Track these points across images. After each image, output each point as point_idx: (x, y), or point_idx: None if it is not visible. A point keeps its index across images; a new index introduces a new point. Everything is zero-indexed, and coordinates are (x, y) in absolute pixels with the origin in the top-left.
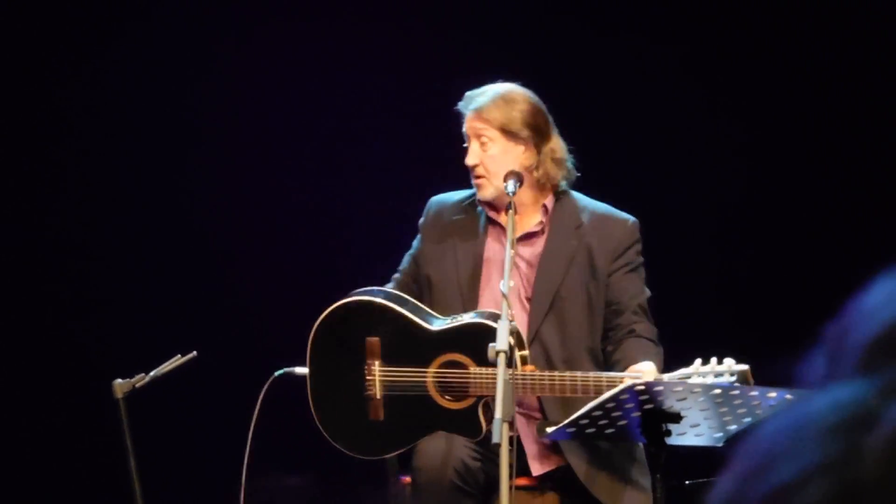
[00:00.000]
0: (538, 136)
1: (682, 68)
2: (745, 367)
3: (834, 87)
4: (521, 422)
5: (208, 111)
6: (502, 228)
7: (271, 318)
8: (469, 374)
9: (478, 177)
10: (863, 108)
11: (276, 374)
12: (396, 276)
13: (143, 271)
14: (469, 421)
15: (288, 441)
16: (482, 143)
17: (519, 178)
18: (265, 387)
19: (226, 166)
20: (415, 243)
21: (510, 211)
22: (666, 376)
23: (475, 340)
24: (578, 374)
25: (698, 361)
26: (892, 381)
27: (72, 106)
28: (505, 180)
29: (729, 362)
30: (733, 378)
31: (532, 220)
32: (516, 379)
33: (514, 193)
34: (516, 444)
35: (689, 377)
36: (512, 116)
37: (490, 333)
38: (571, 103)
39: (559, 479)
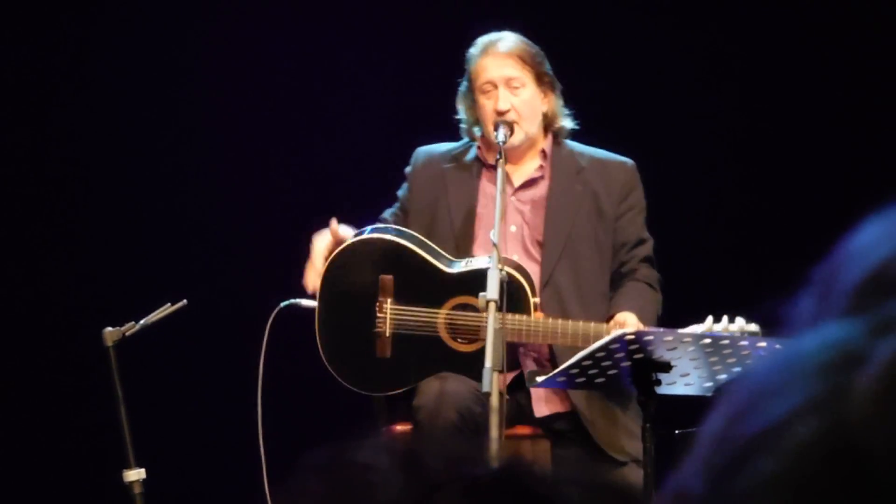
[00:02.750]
0: (555, 81)
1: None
2: (755, 327)
3: (828, 34)
4: (528, 365)
5: (198, 56)
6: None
7: (266, 261)
8: (481, 317)
9: (511, 121)
10: (856, 54)
11: (282, 304)
12: (381, 221)
13: (134, 216)
14: (478, 364)
15: (289, 378)
16: (513, 88)
17: (510, 127)
18: (271, 317)
19: (220, 105)
20: (401, 192)
21: (501, 160)
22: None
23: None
24: (581, 323)
25: (710, 319)
26: (882, 320)
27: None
28: (495, 129)
29: (740, 322)
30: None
31: (531, 165)
32: (521, 326)
33: (504, 143)
34: (518, 389)
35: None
36: (539, 60)
37: (510, 281)
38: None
39: (561, 424)
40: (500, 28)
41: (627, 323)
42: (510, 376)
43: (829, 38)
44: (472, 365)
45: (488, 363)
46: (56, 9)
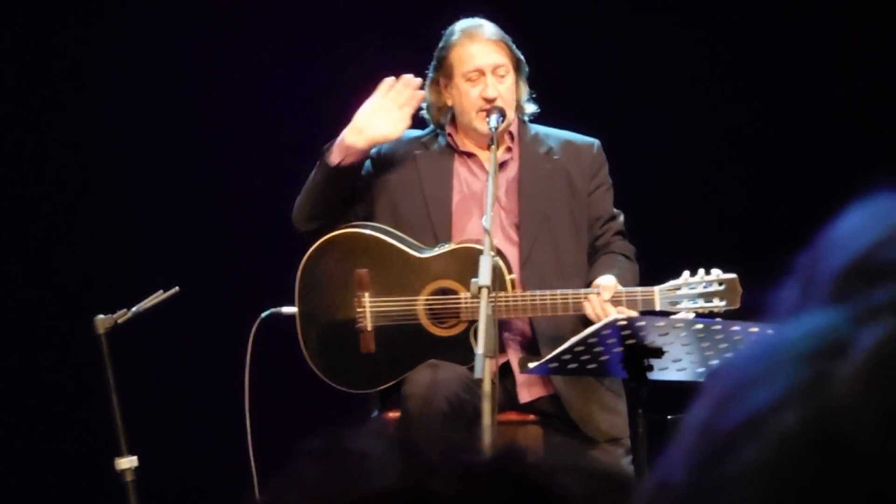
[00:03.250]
0: (525, 70)
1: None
2: (732, 275)
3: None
4: (512, 350)
5: (194, 50)
6: (470, 158)
7: (255, 253)
8: (460, 299)
9: (495, 109)
10: (842, 36)
11: (263, 315)
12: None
13: (126, 204)
14: (462, 347)
15: (277, 383)
16: (500, 76)
17: (502, 114)
18: (253, 329)
19: (215, 101)
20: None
21: (493, 146)
22: (657, 288)
23: (465, 265)
24: (559, 292)
25: (686, 273)
26: (865, 308)
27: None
28: (488, 115)
29: (716, 272)
30: (722, 287)
31: (500, 149)
32: (500, 301)
33: (496, 129)
34: (503, 376)
35: (678, 288)
36: (514, 48)
37: (478, 257)
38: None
39: (545, 408)
40: (469, 14)
41: (607, 286)
42: (499, 362)
43: (809, 29)
44: (455, 348)
45: (480, 349)
46: (56, 8)
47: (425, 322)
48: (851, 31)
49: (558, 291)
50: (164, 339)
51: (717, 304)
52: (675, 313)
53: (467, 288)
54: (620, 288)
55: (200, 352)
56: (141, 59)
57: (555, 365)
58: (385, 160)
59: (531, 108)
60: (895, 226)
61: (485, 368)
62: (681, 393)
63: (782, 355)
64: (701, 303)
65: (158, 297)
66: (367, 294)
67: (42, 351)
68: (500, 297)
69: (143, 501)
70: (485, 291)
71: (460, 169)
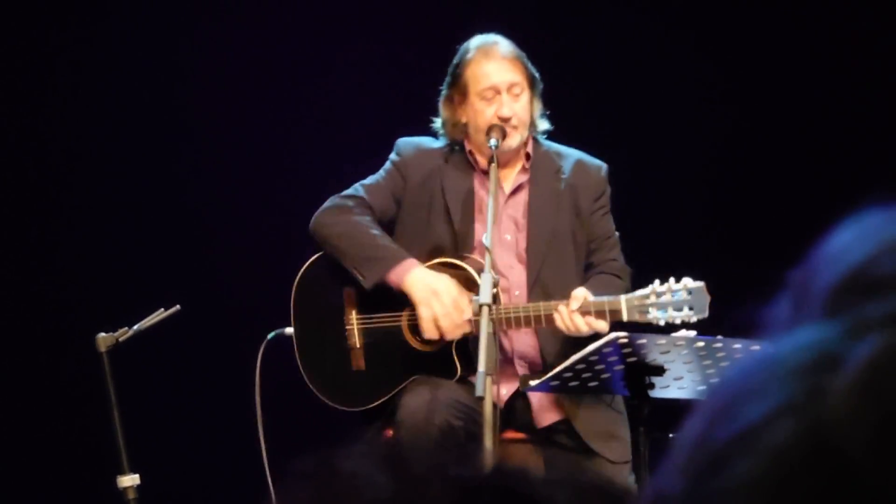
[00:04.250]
0: (539, 87)
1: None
2: (700, 283)
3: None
4: (522, 375)
5: (195, 62)
6: (487, 176)
7: (256, 272)
8: None
9: (511, 127)
10: (844, 44)
11: (269, 336)
12: (363, 204)
13: (129, 224)
14: (444, 362)
15: (282, 403)
16: (515, 95)
17: (503, 133)
18: (260, 351)
19: (216, 119)
20: (387, 180)
21: (493, 164)
22: (624, 297)
23: None
24: (531, 305)
25: (656, 282)
26: (857, 322)
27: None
28: (487, 134)
29: (685, 281)
30: (690, 296)
31: (517, 169)
32: (475, 317)
33: (497, 147)
34: (517, 401)
35: (647, 297)
36: (530, 66)
37: (458, 272)
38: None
39: (562, 432)
40: (482, 28)
41: (576, 296)
42: (511, 388)
43: (808, 33)
44: (437, 364)
45: (481, 367)
46: (57, 8)
47: (409, 337)
48: (854, 51)
49: (531, 304)
50: (166, 356)
51: (687, 313)
52: (647, 323)
53: None
54: (591, 298)
55: (202, 370)
56: (147, 72)
57: (556, 383)
58: (411, 165)
59: (544, 125)
60: (886, 241)
61: (486, 387)
62: (682, 411)
63: (776, 369)
64: (670, 311)
65: (160, 315)
66: (354, 311)
67: (44, 368)
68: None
69: None
70: (485, 309)
71: (479, 187)
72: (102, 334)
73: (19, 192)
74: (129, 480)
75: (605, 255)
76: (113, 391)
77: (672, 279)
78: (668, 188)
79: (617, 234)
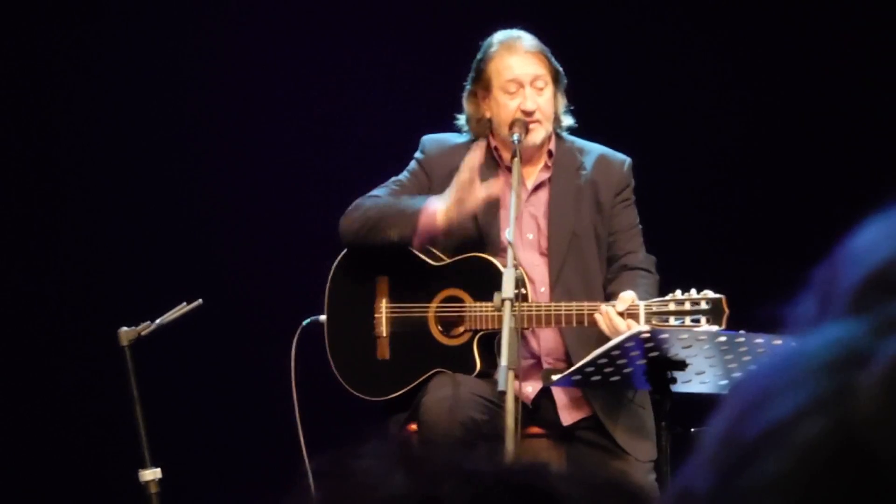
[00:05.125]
0: (563, 82)
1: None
2: (719, 296)
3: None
4: (547, 369)
5: (207, 57)
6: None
7: (279, 266)
8: (464, 308)
9: (534, 122)
10: (859, 46)
11: (304, 323)
12: (389, 195)
13: (151, 216)
14: (464, 357)
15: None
16: (538, 89)
17: (525, 128)
18: (296, 336)
19: (241, 108)
20: (411, 180)
21: (516, 159)
22: (643, 303)
23: (471, 274)
24: (574, 304)
25: (678, 291)
26: (884, 319)
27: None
28: (510, 129)
29: (706, 292)
30: (708, 307)
31: (539, 166)
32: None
33: (519, 142)
34: (543, 399)
35: (666, 304)
36: (553, 60)
37: (487, 267)
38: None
39: (587, 430)
40: (503, 24)
41: (622, 299)
42: (538, 386)
43: (831, 38)
44: (458, 358)
45: (504, 362)
46: (58, 9)
47: (434, 330)
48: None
49: (573, 304)
50: (188, 350)
51: (702, 323)
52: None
53: (473, 298)
54: (638, 301)
55: (224, 363)
56: (172, 72)
57: (578, 377)
58: (436, 163)
59: (568, 120)
60: None
61: (508, 381)
62: (704, 405)
63: (804, 366)
64: (687, 321)
65: (182, 309)
66: (384, 301)
67: (66, 363)
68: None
69: None
70: (507, 304)
71: (505, 184)
72: (125, 328)
73: (42, 187)
74: (151, 474)
75: (625, 246)
76: (135, 385)
77: (693, 290)
78: (692, 183)
79: (640, 225)
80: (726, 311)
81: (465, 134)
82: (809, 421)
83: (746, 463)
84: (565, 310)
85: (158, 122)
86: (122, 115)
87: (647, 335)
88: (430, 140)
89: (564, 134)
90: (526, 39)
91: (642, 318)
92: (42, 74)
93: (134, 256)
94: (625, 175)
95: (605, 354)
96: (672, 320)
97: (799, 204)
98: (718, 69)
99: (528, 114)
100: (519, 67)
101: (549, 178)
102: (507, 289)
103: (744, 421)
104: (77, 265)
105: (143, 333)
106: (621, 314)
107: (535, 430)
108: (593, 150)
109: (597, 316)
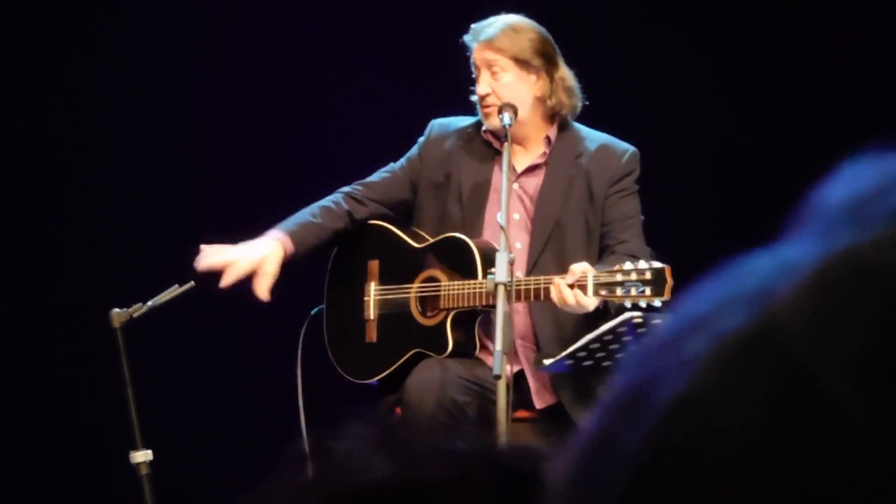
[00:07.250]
0: (549, 64)
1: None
2: (662, 265)
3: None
4: (523, 355)
5: (203, 45)
6: (500, 156)
7: None
8: (440, 287)
9: (488, 106)
10: (877, 34)
11: (313, 312)
12: (375, 184)
13: (142, 197)
14: (438, 337)
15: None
16: (493, 73)
17: (514, 111)
18: (304, 325)
19: (233, 87)
20: (407, 164)
21: (506, 143)
22: (591, 273)
23: (448, 254)
24: (531, 278)
25: (627, 262)
26: (831, 243)
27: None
28: (500, 113)
29: (651, 262)
30: (651, 277)
31: (536, 151)
32: (476, 288)
33: (509, 126)
34: (517, 382)
35: (613, 275)
36: (523, 45)
37: (460, 246)
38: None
39: (560, 413)
40: (504, 10)
41: (573, 271)
42: (515, 370)
43: (821, 28)
44: (433, 338)
45: (498, 346)
46: (57, 7)
47: (415, 311)
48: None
49: (531, 278)
50: (180, 332)
51: (647, 293)
52: (610, 301)
53: (448, 277)
54: (589, 270)
55: (216, 345)
56: (157, 58)
57: (570, 362)
58: (430, 147)
59: (566, 107)
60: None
61: (502, 364)
62: None
63: (737, 275)
64: (633, 292)
65: (174, 291)
66: (373, 283)
67: (57, 345)
68: (472, 283)
69: (157, 495)
70: (501, 288)
71: (496, 166)
72: (116, 310)
73: (32, 170)
74: (143, 456)
75: (618, 237)
76: (127, 367)
77: (641, 261)
78: (695, 178)
79: (641, 217)
80: (669, 280)
81: (476, 118)
82: (730, 314)
83: (674, 349)
84: (524, 284)
85: (152, 103)
86: (114, 98)
87: (640, 320)
88: (436, 124)
89: (574, 123)
90: (491, 25)
91: (590, 289)
92: (34, 65)
93: (126, 238)
94: (623, 165)
95: (598, 339)
96: (619, 291)
97: (799, 204)
98: (719, 69)
99: (480, 98)
100: (476, 52)
101: (546, 164)
102: (501, 272)
103: (676, 320)
104: (68, 246)
105: (134, 315)
106: (571, 286)
107: (521, 412)
108: (597, 139)
109: (551, 287)
